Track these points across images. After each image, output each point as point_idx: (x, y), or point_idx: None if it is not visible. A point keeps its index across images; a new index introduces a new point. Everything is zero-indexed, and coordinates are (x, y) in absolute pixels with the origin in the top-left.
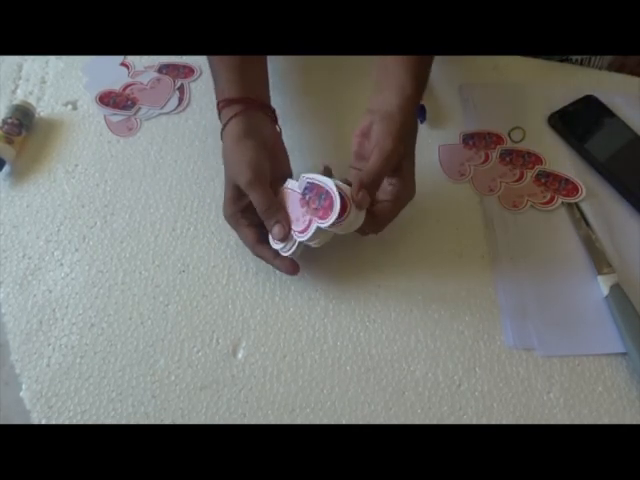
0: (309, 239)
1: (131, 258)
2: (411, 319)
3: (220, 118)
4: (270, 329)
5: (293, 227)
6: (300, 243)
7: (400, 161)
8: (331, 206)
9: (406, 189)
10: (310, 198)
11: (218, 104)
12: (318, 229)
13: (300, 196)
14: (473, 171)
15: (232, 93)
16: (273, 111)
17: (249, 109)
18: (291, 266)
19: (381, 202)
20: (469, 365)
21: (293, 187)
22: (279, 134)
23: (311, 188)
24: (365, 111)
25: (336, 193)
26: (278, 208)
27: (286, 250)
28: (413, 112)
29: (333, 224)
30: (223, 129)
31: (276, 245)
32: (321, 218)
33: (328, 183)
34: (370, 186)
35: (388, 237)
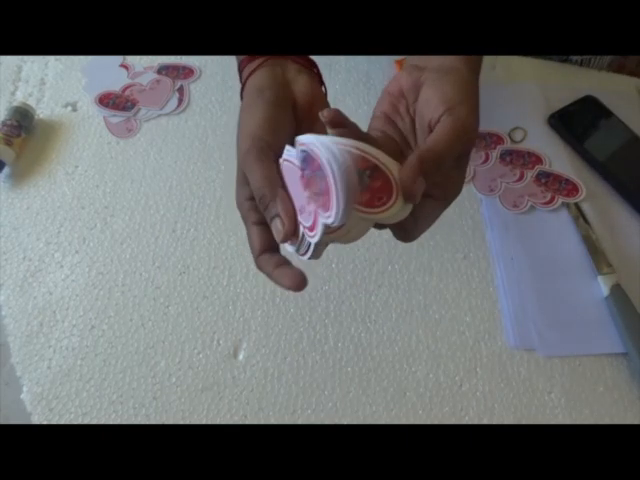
0: (319, 241)
1: (131, 260)
2: (412, 320)
3: (241, 79)
4: (271, 330)
5: (300, 220)
6: (317, 244)
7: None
8: (328, 192)
9: (459, 182)
10: (310, 176)
11: (239, 66)
12: (326, 227)
13: (300, 172)
14: (473, 171)
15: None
16: (313, 64)
17: (276, 58)
18: (293, 278)
19: (424, 198)
20: (470, 366)
21: (291, 157)
22: (321, 92)
23: (308, 159)
24: (408, 66)
25: (330, 173)
26: (276, 193)
27: (301, 253)
28: (478, 79)
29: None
30: (242, 89)
31: (289, 247)
32: (324, 209)
33: (322, 152)
34: (433, 170)
35: (388, 237)
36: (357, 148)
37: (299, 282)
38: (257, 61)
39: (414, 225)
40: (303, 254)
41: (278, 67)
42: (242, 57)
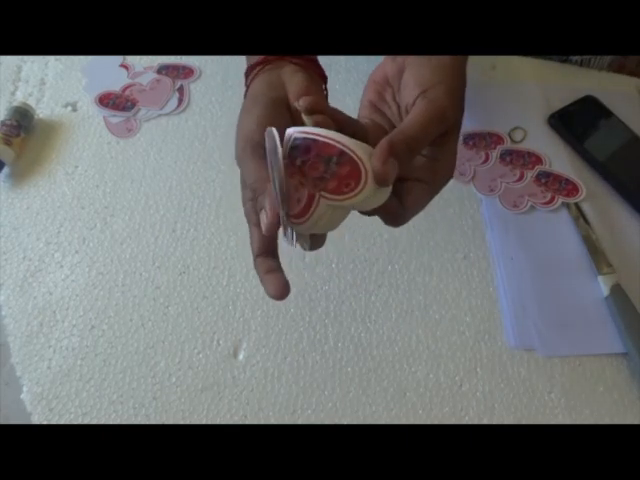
0: (288, 231)
1: (131, 260)
2: (412, 320)
3: (245, 86)
4: (271, 330)
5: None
6: (295, 234)
7: (449, 125)
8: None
9: (447, 165)
10: (272, 167)
11: (245, 74)
12: (282, 216)
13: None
14: (473, 171)
15: (258, 56)
16: (315, 64)
17: (273, 63)
18: (276, 287)
19: (410, 182)
20: (470, 366)
21: None
22: (318, 89)
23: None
24: (386, 57)
25: (269, 163)
26: (266, 188)
27: (288, 243)
28: (464, 63)
29: (296, 216)
30: (245, 96)
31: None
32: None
33: (268, 144)
34: (405, 152)
35: (388, 237)
36: (322, 135)
37: (281, 292)
38: (258, 68)
39: (402, 210)
40: (290, 244)
41: (275, 70)
42: (248, 64)
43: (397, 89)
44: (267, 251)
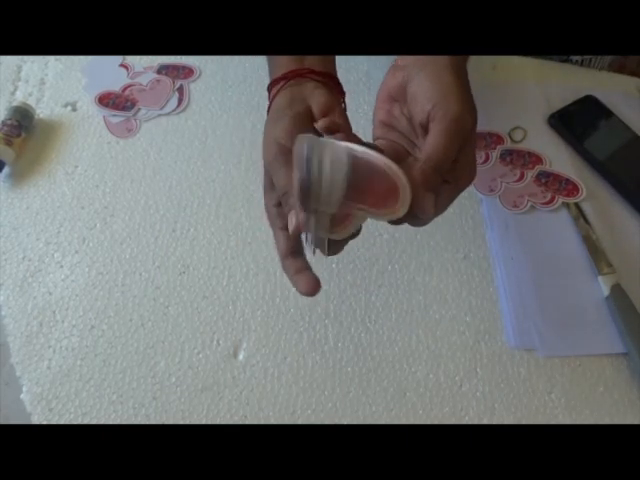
0: (310, 235)
1: (131, 259)
2: (412, 320)
3: (269, 98)
4: (271, 330)
5: None
6: (311, 235)
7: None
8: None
9: (468, 166)
10: None
11: (268, 87)
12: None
13: None
14: None
15: (280, 71)
16: (334, 80)
17: (296, 78)
18: (307, 285)
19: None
20: (470, 366)
21: None
22: (337, 103)
23: None
24: (391, 68)
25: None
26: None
27: (307, 245)
28: (465, 63)
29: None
30: (268, 110)
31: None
32: None
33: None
34: (437, 178)
35: (388, 237)
36: (360, 152)
37: (313, 288)
38: (281, 83)
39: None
40: (310, 251)
41: (297, 87)
42: (270, 79)
43: (403, 102)
44: (294, 252)
